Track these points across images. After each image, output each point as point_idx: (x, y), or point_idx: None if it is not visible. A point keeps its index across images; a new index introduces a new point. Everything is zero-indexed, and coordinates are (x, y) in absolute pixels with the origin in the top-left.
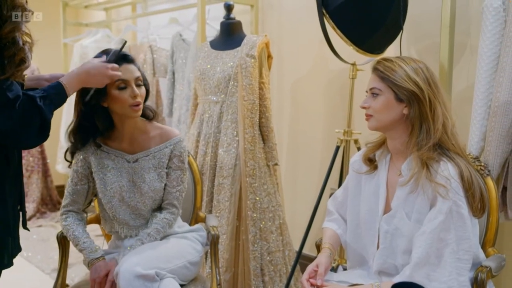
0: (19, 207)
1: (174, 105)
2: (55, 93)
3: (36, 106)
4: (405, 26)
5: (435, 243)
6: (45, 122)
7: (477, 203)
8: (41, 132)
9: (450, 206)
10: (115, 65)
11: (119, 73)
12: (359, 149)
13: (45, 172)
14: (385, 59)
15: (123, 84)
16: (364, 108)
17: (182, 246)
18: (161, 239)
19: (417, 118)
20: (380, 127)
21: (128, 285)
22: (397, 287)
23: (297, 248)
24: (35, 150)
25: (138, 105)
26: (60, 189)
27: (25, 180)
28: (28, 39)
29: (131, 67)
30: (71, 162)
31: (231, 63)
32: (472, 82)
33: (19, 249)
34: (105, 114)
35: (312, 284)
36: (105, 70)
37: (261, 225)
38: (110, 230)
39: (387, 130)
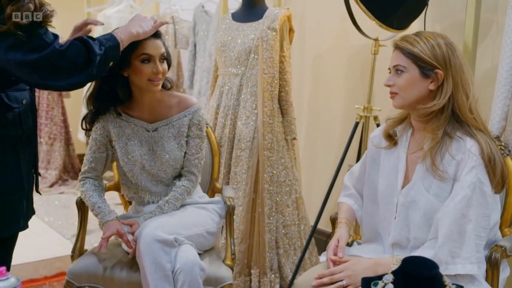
0: (33, 171)
1: (195, 77)
2: (110, 45)
3: (87, 45)
4: (430, 2)
5: (458, 219)
6: (91, 59)
7: (498, 178)
8: (84, 69)
9: (474, 182)
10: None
11: (164, 21)
12: (378, 125)
13: (68, 141)
14: (407, 36)
15: (147, 58)
16: (388, 86)
17: (201, 215)
18: (180, 207)
19: (442, 94)
20: (405, 105)
21: (148, 248)
22: (408, 262)
23: (312, 222)
24: (58, 119)
25: (157, 80)
26: (82, 157)
27: (47, 148)
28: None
29: (158, 42)
30: (88, 130)
31: (252, 36)
32: (496, 62)
33: (33, 212)
34: (124, 83)
35: (333, 261)
36: (149, 21)
37: (277, 199)
38: (132, 196)
39: (412, 108)
